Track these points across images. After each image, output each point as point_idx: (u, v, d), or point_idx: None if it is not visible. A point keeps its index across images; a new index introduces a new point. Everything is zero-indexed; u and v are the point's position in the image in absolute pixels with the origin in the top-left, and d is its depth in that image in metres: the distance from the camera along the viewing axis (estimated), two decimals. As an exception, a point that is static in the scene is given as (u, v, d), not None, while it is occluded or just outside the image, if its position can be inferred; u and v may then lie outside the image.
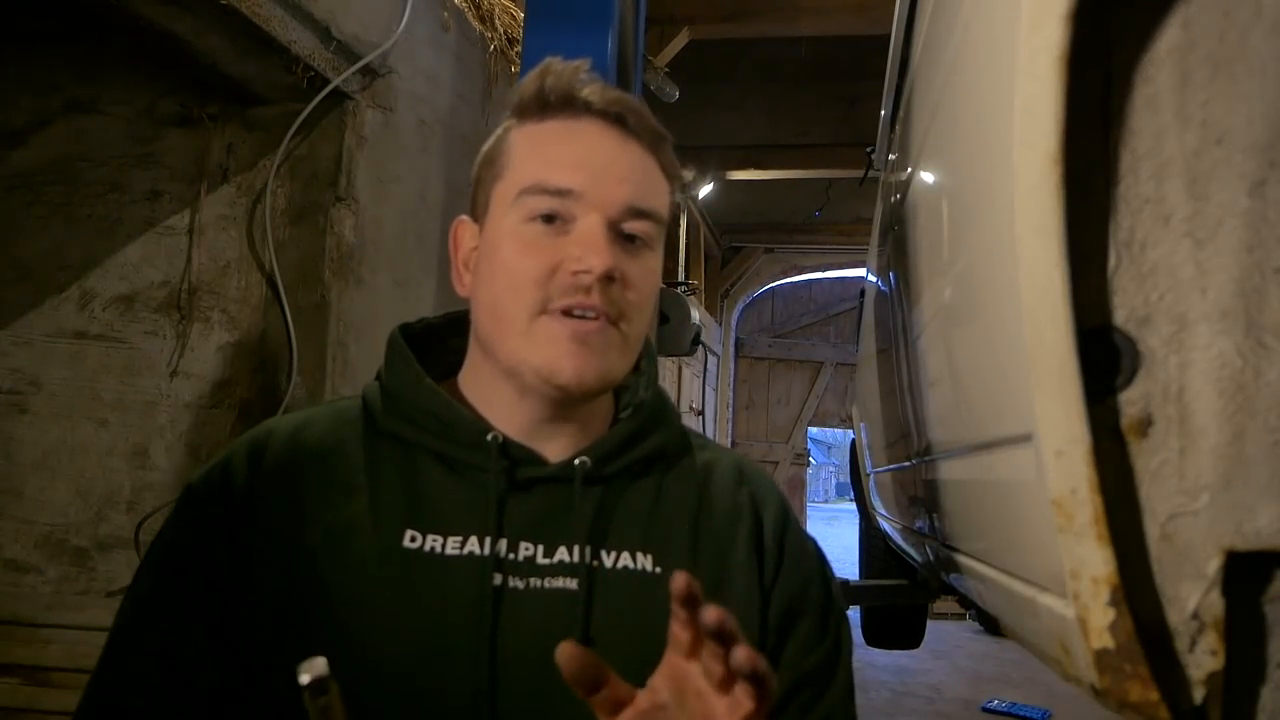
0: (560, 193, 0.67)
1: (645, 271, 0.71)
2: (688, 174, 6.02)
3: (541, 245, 0.68)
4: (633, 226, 0.69)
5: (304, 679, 0.49)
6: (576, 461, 0.71)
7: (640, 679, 0.67)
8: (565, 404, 0.71)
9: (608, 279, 0.66)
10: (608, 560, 0.70)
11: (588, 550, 0.69)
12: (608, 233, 0.67)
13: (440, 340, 0.80)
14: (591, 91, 0.70)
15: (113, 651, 0.68)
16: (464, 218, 0.76)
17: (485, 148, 0.75)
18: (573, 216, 0.68)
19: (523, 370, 0.68)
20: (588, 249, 0.66)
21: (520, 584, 0.67)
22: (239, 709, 0.65)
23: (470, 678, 0.64)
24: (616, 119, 0.70)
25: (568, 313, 0.67)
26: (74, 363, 2.25)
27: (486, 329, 0.71)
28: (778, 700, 0.73)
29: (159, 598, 0.68)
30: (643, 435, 0.76)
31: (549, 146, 0.70)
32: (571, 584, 0.68)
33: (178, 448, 2.19)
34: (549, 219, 0.68)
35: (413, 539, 0.67)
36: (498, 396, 0.72)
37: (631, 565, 0.70)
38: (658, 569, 0.71)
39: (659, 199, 0.72)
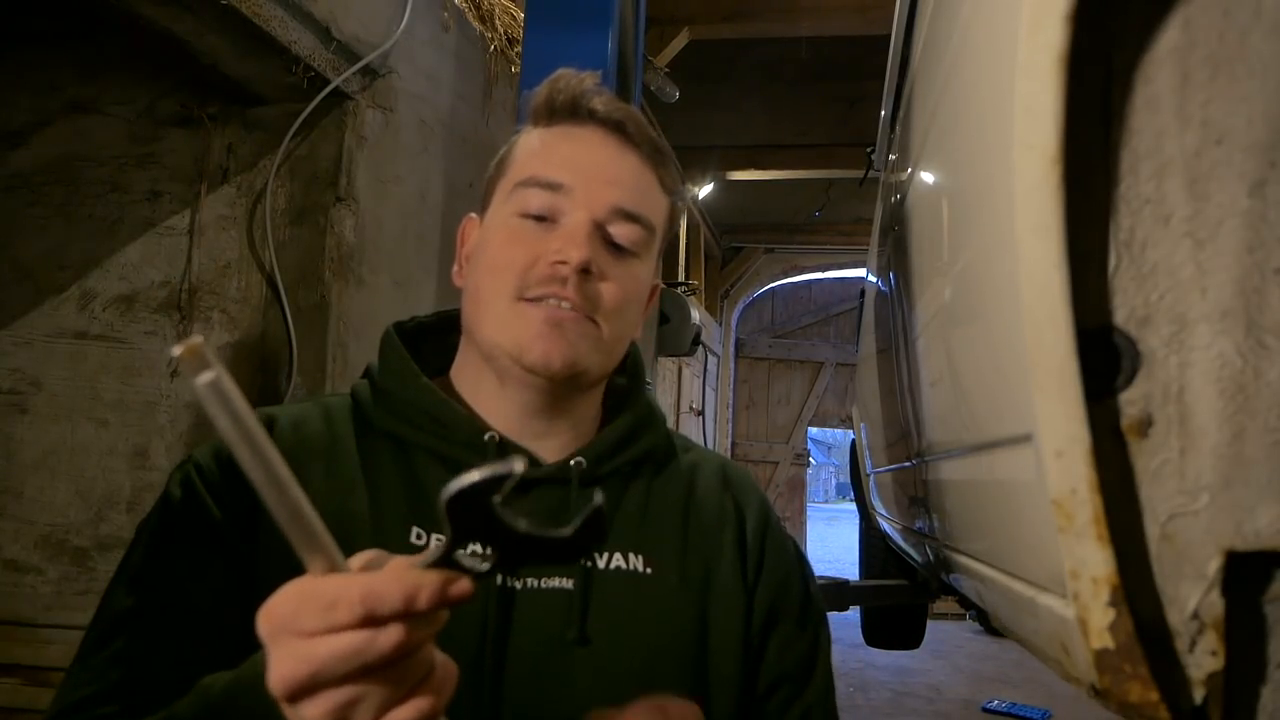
0: (551, 186, 0.70)
1: (628, 276, 0.72)
2: (690, 187, 6.02)
3: (528, 237, 0.70)
4: (619, 231, 0.71)
5: (501, 468, 0.41)
6: (572, 462, 0.72)
7: (632, 677, 0.68)
8: (542, 392, 0.71)
9: (584, 272, 0.68)
10: (601, 561, 0.71)
11: None
12: (592, 230, 0.69)
13: (433, 338, 0.80)
14: (598, 101, 0.73)
15: (106, 620, 0.64)
16: (473, 215, 0.79)
17: (500, 152, 0.78)
18: (561, 212, 0.70)
19: (497, 354, 0.69)
20: (568, 242, 0.68)
21: (518, 584, 0.68)
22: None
23: (474, 676, 0.64)
24: (617, 127, 0.73)
25: (544, 299, 0.68)
26: (74, 363, 2.25)
27: (469, 314, 0.73)
28: (758, 696, 0.74)
29: (165, 560, 0.66)
30: (634, 437, 0.77)
31: (548, 147, 0.73)
32: (567, 584, 0.69)
33: (178, 448, 2.19)
34: (540, 218, 0.70)
35: (418, 536, 0.68)
36: (484, 387, 0.73)
37: (624, 566, 0.71)
38: (648, 570, 0.72)
39: (650, 207, 0.74)
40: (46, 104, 2.35)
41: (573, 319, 0.68)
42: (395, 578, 0.43)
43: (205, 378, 0.39)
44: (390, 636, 0.42)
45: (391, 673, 0.42)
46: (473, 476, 0.42)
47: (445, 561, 0.44)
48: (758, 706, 0.75)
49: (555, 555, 0.46)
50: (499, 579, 0.67)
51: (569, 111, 0.73)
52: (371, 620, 0.42)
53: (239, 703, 0.51)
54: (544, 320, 0.68)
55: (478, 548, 0.45)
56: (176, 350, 0.39)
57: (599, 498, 0.47)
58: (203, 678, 0.58)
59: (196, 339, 0.39)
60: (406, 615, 0.42)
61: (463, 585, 0.44)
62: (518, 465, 0.43)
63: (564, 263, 0.67)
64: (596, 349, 0.71)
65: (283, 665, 0.42)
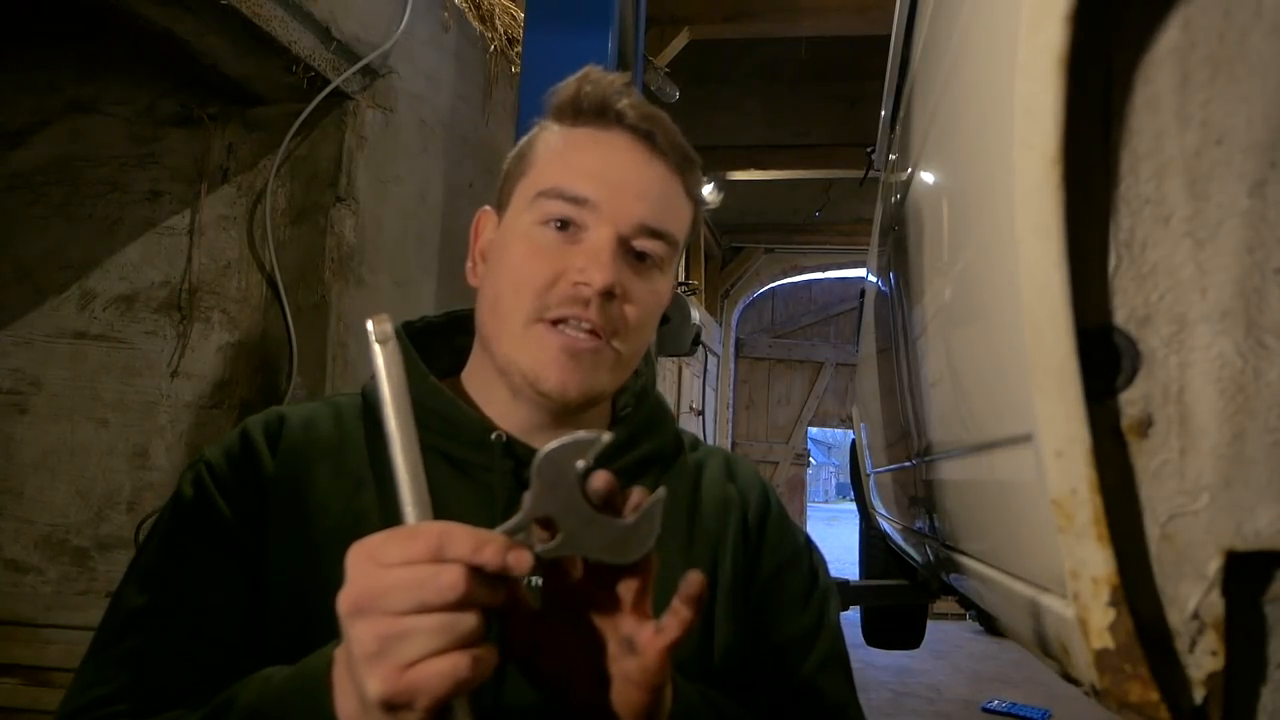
0: (576, 200, 0.68)
1: (650, 292, 0.71)
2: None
3: (550, 251, 0.68)
4: (644, 245, 0.69)
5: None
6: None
7: None
8: (554, 412, 0.71)
9: (607, 295, 0.67)
10: None
11: None
12: (616, 248, 0.68)
13: (441, 338, 0.80)
14: (626, 105, 0.70)
15: (118, 618, 0.65)
16: (488, 208, 0.77)
17: (519, 144, 0.76)
18: (585, 226, 0.68)
19: (512, 372, 0.69)
20: (592, 262, 0.66)
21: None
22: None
23: None
24: (646, 135, 0.71)
25: (563, 322, 0.67)
26: (74, 363, 2.25)
27: (486, 324, 0.72)
28: (760, 670, 0.74)
29: (177, 559, 0.66)
30: (641, 438, 0.77)
31: (573, 153, 0.70)
32: None
33: (178, 448, 2.19)
34: (562, 226, 0.68)
35: None
36: (495, 394, 0.73)
37: None
38: None
39: (675, 220, 0.72)
40: (46, 104, 2.35)
41: (591, 348, 0.67)
42: (469, 529, 0.47)
43: (389, 345, 0.52)
44: (450, 575, 0.45)
45: (441, 621, 0.45)
46: (565, 438, 0.49)
47: (515, 534, 0.49)
48: (754, 679, 0.74)
49: (613, 544, 0.50)
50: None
51: (596, 113, 0.71)
52: (439, 557, 0.45)
53: (299, 694, 0.53)
54: (561, 348, 0.67)
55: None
56: (371, 322, 0.52)
57: (662, 491, 0.50)
58: (212, 674, 0.59)
59: (386, 315, 0.52)
60: (471, 565, 0.46)
61: (523, 556, 0.47)
62: (605, 435, 0.49)
63: (586, 284, 0.66)
64: (613, 371, 0.70)
65: (352, 585, 0.46)
